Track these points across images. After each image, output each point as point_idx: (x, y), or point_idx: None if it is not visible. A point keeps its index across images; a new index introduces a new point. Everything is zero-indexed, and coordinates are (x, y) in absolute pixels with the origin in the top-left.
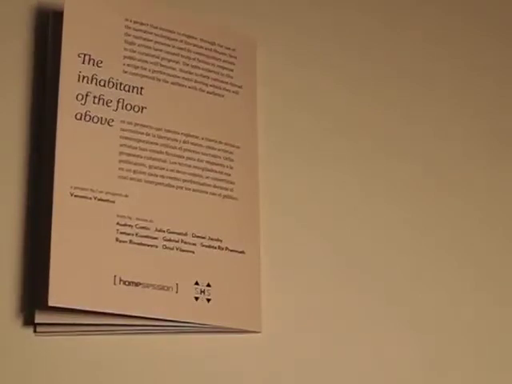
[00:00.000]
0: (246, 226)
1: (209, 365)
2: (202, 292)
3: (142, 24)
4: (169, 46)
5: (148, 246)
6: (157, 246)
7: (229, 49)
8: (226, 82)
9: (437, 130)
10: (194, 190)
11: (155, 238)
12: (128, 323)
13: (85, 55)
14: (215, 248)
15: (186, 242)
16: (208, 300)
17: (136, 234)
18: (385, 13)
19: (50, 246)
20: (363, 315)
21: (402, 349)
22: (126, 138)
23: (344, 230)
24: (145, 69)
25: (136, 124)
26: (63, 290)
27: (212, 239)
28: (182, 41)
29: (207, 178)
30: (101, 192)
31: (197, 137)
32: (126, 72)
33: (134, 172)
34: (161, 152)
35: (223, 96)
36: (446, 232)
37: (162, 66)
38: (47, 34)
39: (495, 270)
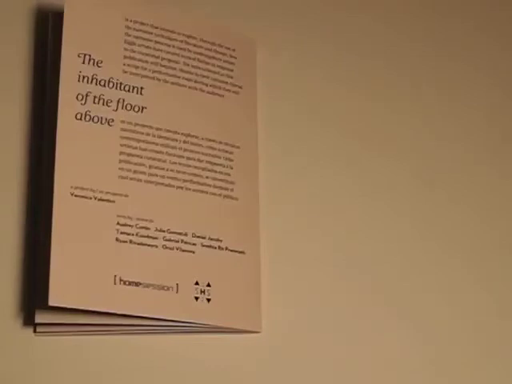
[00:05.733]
0: (245, 226)
1: (209, 365)
2: (202, 292)
3: (142, 24)
4: (169, 46)
5: (148, 245)
6: (157, 246)
7: (229, 49)
8: (226, 82)
9: (438, 131)
10: (194, 190)
11: (155, 238)
12: (128, 323)
13: (85, 55)
14: (215, 248)
15: (186, 242)
16: (208, 300)
17: (136, 234)
18: (385, 13)
19: (50, 245)
20: (363, 315)
21: (402, 349)
22: (126, 137)
23: (344, 230)
24: (145, 69)
25: (136, 124)
26: (63, 290)
27: (212, 239)
28: (182, 41)
29: (207, 177)
30: (101, 192)
31: (197, 137)
32: (125, 72)
33: (134, 172)
34: (161, 152)
35: (223, 96)
36: (447, 232)
37: (162, 66)
38: (47, 34)
39: (496, 270)
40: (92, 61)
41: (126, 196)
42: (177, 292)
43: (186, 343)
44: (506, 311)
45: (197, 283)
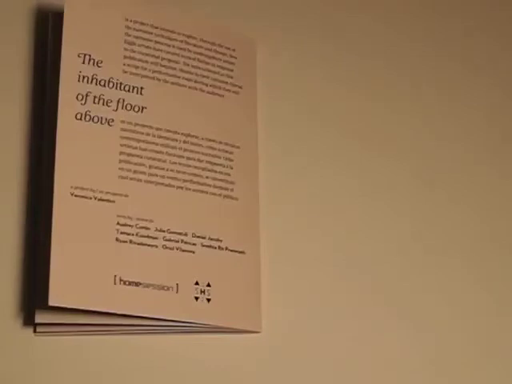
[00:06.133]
0: (245, 226)
1: (209, 365)
2: (202, 292)
3: (142, 24)
4: (169, 46)
5: (148, 245)
6: (157, 246)
7: (229, 49)
8: (226, 82)
9: (438, 131)
10: (194, 190)
11: (155, 238)
12: (128, 323)
13: (85, 55)
14: (215, 248)
15: (186, 242)
16: (208, 300)
17: (136, 234)
18: (385, 13)
19: (50, 245)
20: (363, 315)
21: (402, 349)
22: (126, 137)
23: (344, 230)
24: (145, 69)
25: (136, 124)
26: (63, 290)
27: (212, 239)
28: (182, 41)
29: (207, 177)
30: (101, 192)
31: (197, 137)
32: (126, 72)
33: (134, 172)
34: (161, 152)
35: (223, 96)
36: (447, 232)
37: (161, 66)
38: (47, 34)
39: (496, 270)
40: (92, 61)
41: (126, 196)
42: (177, 292)
43: (186, 343)
44: (505, 311)
45: (197, 283)
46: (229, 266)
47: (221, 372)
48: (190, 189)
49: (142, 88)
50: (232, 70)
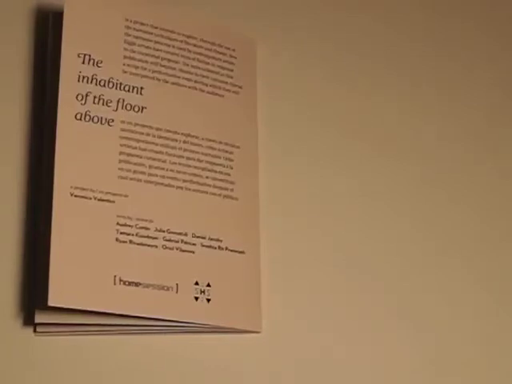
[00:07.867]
0: (245, 226)
1: (209, 365)
2: (202, 292)
3: (142, 24)
4: (169, 46)
5: (148, 245)
6: (157, 246)
7: (229, 49)
8: (226, 82)
9: (438, 131)
10: (194, 190)
11: (155, 238)
12: (128, 323)
13: (85, 55)
14: (215, 248)
15: (186, 242)
16: (208, 300)
17: (136, 234)
18: (385, 13)
19: (50, 245)
20: (363, 315)
21: (402, 349)
22: (126, 138)
23: (344, 229)
24: (145, 69)
25: (136, 124)
26: (63, 290)
27: (212, 239)
28: (182, 41)
29: (207, 177)
30: (101, 192)
31: (197, 137)
32: (125, 72)
33: (134, 172)
34: (161, 152)
35: (223, 96)
36: (447, 232)
37: (161, 66)
38: (47, 34)
39: (496, 270)
40: (92, 61)
41: (126, 196)
42: (177, 292)
43: (186, 343)
44: (505, 311)
45: (197, 283)
46: (229, 266)
47: (221, 372)
48: (189, 189)
49: (141, 88)
50: (232, 70)
